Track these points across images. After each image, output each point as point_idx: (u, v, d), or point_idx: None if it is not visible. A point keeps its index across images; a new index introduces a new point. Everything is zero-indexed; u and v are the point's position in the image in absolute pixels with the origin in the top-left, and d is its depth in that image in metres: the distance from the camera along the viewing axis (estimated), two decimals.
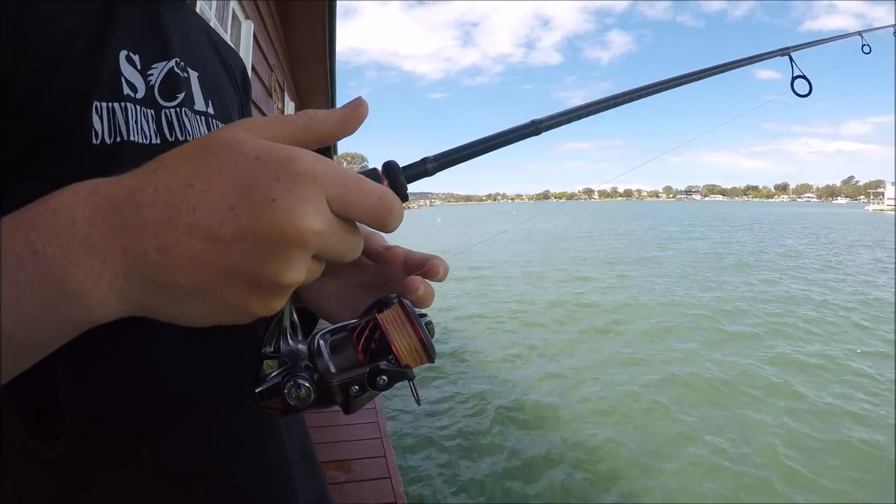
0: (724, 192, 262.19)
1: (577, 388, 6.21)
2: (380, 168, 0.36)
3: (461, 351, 7.63)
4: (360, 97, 0.35)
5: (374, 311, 0.39)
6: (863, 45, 1.16)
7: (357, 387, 0.36)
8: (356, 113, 0.34)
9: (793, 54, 0.83)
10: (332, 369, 0.36)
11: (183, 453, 0.48)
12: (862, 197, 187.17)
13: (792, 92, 0.85)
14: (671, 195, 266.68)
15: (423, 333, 0.37)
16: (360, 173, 0.33)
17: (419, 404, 0.45)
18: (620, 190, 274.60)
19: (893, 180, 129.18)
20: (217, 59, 0.65)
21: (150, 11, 0.53)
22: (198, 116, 0.55)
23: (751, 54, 0.78)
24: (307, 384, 0.36)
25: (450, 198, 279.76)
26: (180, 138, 0.51)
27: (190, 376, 0.49)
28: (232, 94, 0.66)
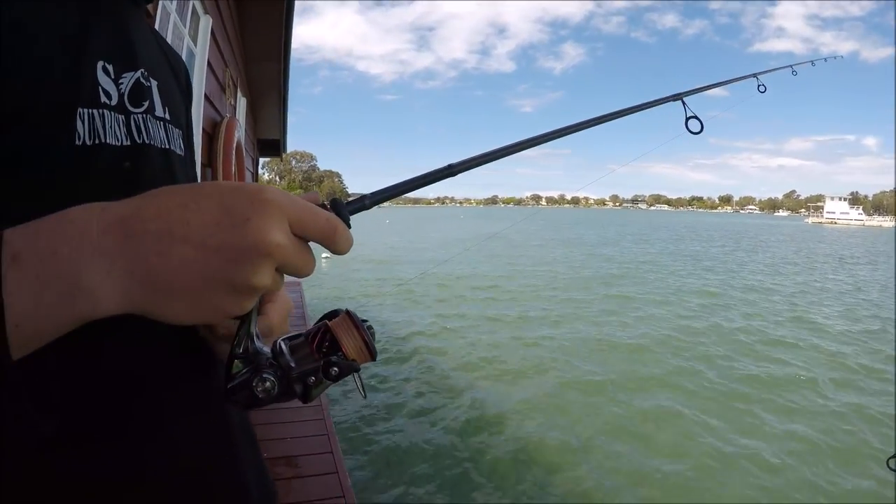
0: (669, 202, 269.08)
1: (514, 388, 6.64)
2: (328, 203, 0.44)
3: (410, 355, 7.83)
4: (316, 193, 0.46)
5: (324, 320, 0.47)
6: (759, 86, 1.27)
7: (313, 377, 0.43)
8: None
9: (685, 99, 0.94)
10: (293, 365, 0.43)
11: (134, 424, 0.50)
12: (803, 210, 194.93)
13: (686, 130, 0.95)
14: (618, 203, 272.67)
15: (366, 335, 0.45)
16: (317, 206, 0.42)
17: (365, 397, 0.52)
18: (568, 197, 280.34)
19: (832, 195, 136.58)
20: (168, 67, 0.70)
21: (118, 23, 0.57)
22: (158, 122, 0.60)
23: (650, 98, 0.89)
24: (272, 378, 0.42)
25: (398, 200, 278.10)
26: (147, 141, 0.56)
27: (138, 353, 0.51)
28: (181, 101, 0.71)
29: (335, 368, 0.43)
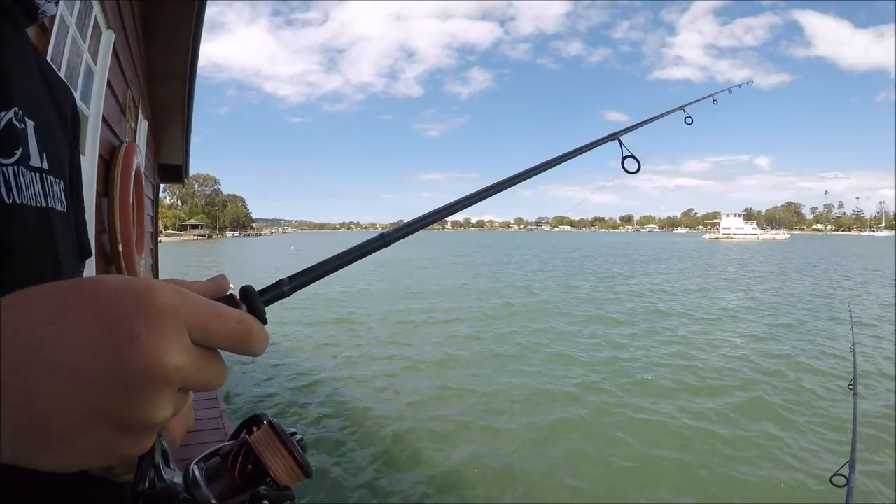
0: (572, 223, 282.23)
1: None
2: (237, 294, 0.36)
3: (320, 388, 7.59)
4: (223, 275, 0.38)
5: (244, 433, 0.40)
6: (685, 118, 1.31)
7: None
8: (218, 284, 0.36)
9: (621, 138, 0.93)
10: (212, 500, 0.36)
11: None
12: (700, 227, 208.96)
13: (623, 170, 0.94)
14: (522, 226, 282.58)
15: (296, 452, 0.38)
16: (217, 300, 0.34)
17: None
18: (473, 220, 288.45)
19: (727, 212, 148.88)
20: (50, 100, 0.60)
21: None
22: (33, 174, 0.51)
23: (588, 141, 0.89)
24: None
25: (303, 225, 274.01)
26: (18, 201, 0.47)
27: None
28: (63, 141, 0.61)
29: (265, 502, 0.37)
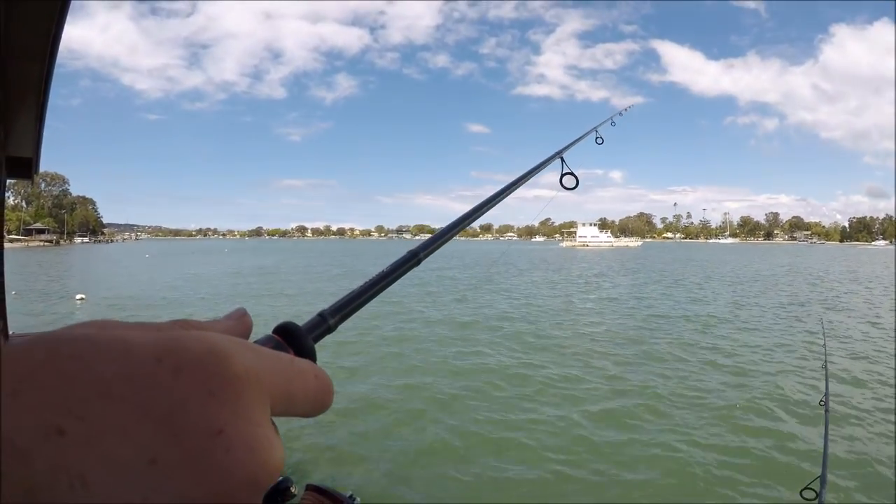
0: (433, 232, 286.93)
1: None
2: (274, 333, 0.29)
3: None
4: (243, 308, 0.28)
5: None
6: (596, 138, 1.41)
7: None
8: (243, 323, 0.28)
9: (563, 156, 1.01)
10: None
11: None
12: (557, 235, 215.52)
13: (561, 187, 0.99)
14: (383, 234, 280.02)
15: None
16: (256, 343, 0.26)
17: None
18: (334, 228, 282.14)
19: (583, 221, 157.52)
20: None
21: None
22: None
23: (535, 165, 0.94)
24: None
25: (158, 231, 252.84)
26: None
27: None
28: None
29: None
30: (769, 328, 13.81)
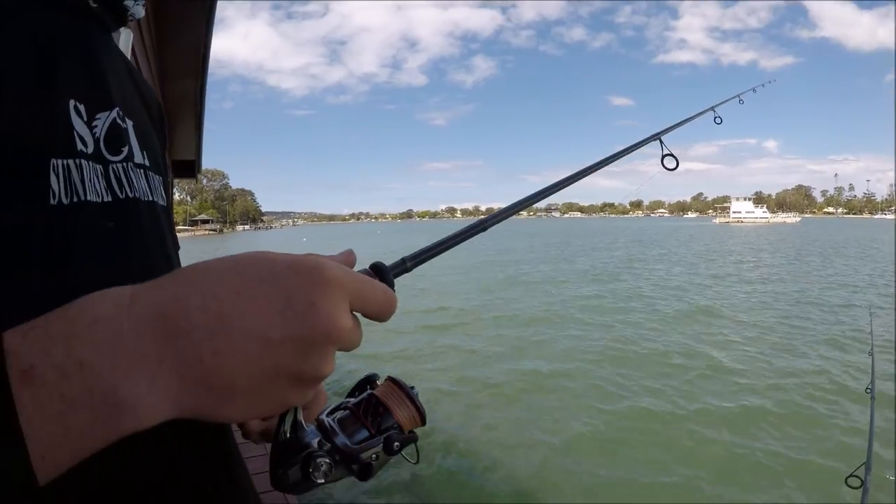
0: (582, 210, 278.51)
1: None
2: (369, 268, 0.41)
3: None
4: (351, 249, 0.42)
5: (367, 389, 0.46)
6: (715, 118, 1.33)
7: (374, 454, 0.41)
8: (349, 257, 0.40)
9: (662, 138, 0.97)
10: (349, 444, 0.40)
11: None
12: (710, 211, 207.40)
13: (662, 167, 0.98)
14: (532, 213, 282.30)
15: (417, 402, 0.44)
16: (357, 271, 0.39)
17: (417, 462, 0.48)
18: (483, 208, 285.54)
19: (737, 196, 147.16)
20: (140, 101, 0.61)
21: (88, 51, 0.47)
22: (139, 171, 0.52)
23: (630, 143, 0.90)
24: (327, 460, 0.39)
25: (313, 217, 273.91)
26: (130, 195, 0.48)
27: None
28: (156, 140, 0.62)
29: (397, 444, 0.42)
30: None
